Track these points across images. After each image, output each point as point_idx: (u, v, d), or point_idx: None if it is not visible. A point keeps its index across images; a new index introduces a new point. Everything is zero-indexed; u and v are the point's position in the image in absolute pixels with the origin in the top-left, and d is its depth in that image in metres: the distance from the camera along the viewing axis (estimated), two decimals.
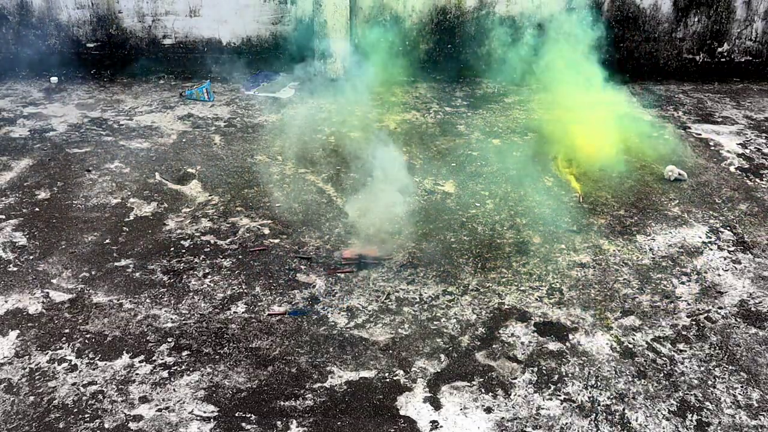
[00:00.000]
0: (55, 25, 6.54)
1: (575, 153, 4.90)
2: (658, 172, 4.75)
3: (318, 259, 3.67)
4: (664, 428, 2.69)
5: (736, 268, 3.75)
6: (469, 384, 2.88)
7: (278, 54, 6.78)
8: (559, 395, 2.84)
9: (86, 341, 3.05)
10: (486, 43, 6.83)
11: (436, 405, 2.77)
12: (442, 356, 3.03)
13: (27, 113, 5.56)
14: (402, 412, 2.73)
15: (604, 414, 2.75)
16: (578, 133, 5.03)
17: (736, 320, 3.33)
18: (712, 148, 5.30)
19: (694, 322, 3.30)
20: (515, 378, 2.91)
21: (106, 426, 2.62)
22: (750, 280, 3.65)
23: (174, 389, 2.81)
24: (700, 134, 5.55)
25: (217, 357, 2.99)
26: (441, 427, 2.67)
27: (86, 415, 2.67)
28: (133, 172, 4.60)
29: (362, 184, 4.50)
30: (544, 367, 2.98)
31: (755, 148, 5.31)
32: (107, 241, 3.81)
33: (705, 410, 2.78)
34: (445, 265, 3.68)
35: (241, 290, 3.44)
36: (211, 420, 2.67)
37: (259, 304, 3.34)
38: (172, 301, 3.34)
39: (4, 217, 4.02)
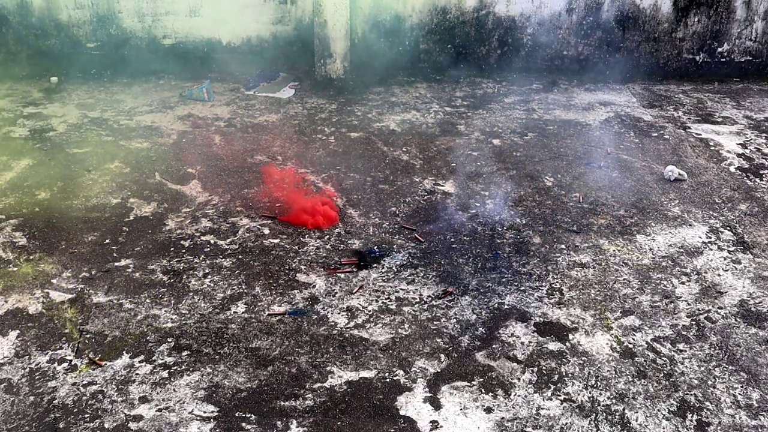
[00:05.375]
0: (55, 25, 6.54)
1: None
2: None
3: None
4: (664, 428, 2.69)
5: (736, 268, 3.75)
6: (469, 384, 2.88)
7: (278, 54, 6.78)
8: (559, 395, 2.83)
9: (86, 341, 3.05)
10: (486, 43, 6.83)
11: (436, 405, 2.77)
12: (442, 356, 3.03)
13: (27, 113, 5.56)
14: (402, 412, 2.73)
15: (604, 414, 2.75)
16: None
17: (736, 320, 3.33)
18: (712, 148, 5.30)
19: (694, 322, 3.30)
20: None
21: (106, 426, 2.62)
22: (750, 280, 3.65)
23: (174, 389, 2.81)
24: (700, 134, 5.55)
25: (217, 357, 2.99)
26: (441, 427, 2.67)
27: (86, 415, 2.67)
28: (133, 172, 4.60)
29: (362, 184, 4.50)
30: (544, 367, 2.98)
31: (755, 148, 5.31)
32: (107, 241, 3.81)
33: (705, 410, 2.78)
34: (445, 265, 3.68)
35: (241, 290, 3.44)
36: (211, 420, 2.67)
37: (259, 304, 3.34)
38: (172, 301, 3.34)
39: (4, 217, 4.02)
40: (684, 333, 3.23)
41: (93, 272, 3.54)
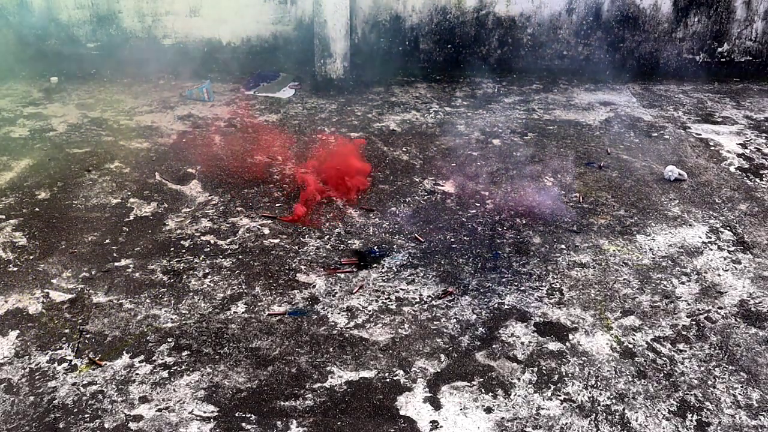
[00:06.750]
0: (55, 25, 6.54)
1: None
2: None
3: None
4: (664, 428, 2.69)
5: (736, 268, 3.75)
6: (469, 384, 2.88)
7: (278, 54, 6.78)
8: (559, 395, 2.83)
9: (86, 341, 3.05)
10: (486, 43, 6.83)
11: (436, 405, 2.77)
12: (442, 356, 3.03)
13: (27, 113, 5.56)
14: (402, 412, 2.73)
15: (604, 414, 2.75)
16: None
17: (736, 320, 3.33)
18: (712, 148, 5.30)
19: (694, 322, 3.30)
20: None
21: (106, 426, 2.62)
22: (750, 280, 3.65)
23: (174, 389, 2.81)
24: (700, 134, 5.55)
25: (217, 357, 2.99)
26: (441, 427, 2.67)
27: (86, 415, 2.67)
28: (133, 172, 4.60)
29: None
30: (544, 367, 2.98)
31: (755, 148, 5.31)
32: (107, 241, 3.81)
33: (705, 410, 2.78)
34: (445, 265, 3.68)
35: (241, 290, 3.44)
36: (211, 420, 2.67)
37: (259, 304, 3.34)
38: (172, 301, 3.34)
39: (4, 217, 4.02)
40: (684, 333, 3.23)
41: (93, 272, 3.54)
